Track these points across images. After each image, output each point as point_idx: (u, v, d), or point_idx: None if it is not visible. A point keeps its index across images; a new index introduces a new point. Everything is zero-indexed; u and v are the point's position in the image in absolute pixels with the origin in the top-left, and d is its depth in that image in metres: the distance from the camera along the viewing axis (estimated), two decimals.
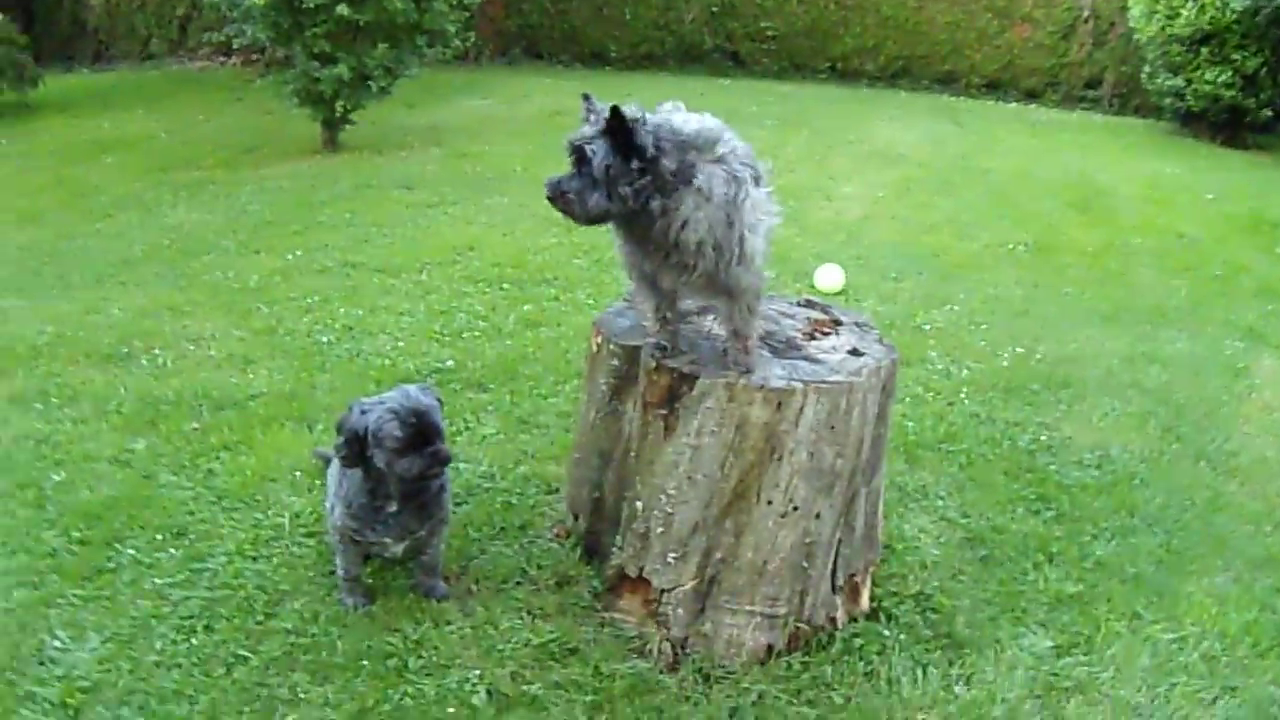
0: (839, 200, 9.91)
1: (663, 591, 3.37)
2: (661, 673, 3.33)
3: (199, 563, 3.78)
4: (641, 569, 3.40)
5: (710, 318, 3.56)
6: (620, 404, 3.51)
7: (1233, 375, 6.42)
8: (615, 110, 2.74)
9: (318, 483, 4.22)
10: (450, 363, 5.47)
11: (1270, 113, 14.45)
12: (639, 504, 3.36)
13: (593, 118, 2.84)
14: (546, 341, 5.85)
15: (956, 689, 3.41)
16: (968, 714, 3.31)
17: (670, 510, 3.28)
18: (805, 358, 3.35)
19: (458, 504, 4.10)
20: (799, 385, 3.13)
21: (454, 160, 10.23)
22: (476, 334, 5.95)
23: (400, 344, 5.72)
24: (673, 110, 3.27)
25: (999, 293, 7.52)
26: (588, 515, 3.77)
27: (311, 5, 9.25)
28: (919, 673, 3.44)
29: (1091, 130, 15.44)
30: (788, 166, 10.88)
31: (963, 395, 5.62)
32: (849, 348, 3.44)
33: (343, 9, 9.17)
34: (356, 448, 3.23)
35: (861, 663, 3.45)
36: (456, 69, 13.51)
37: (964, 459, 4.90)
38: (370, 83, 9.83)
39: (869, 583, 3.70)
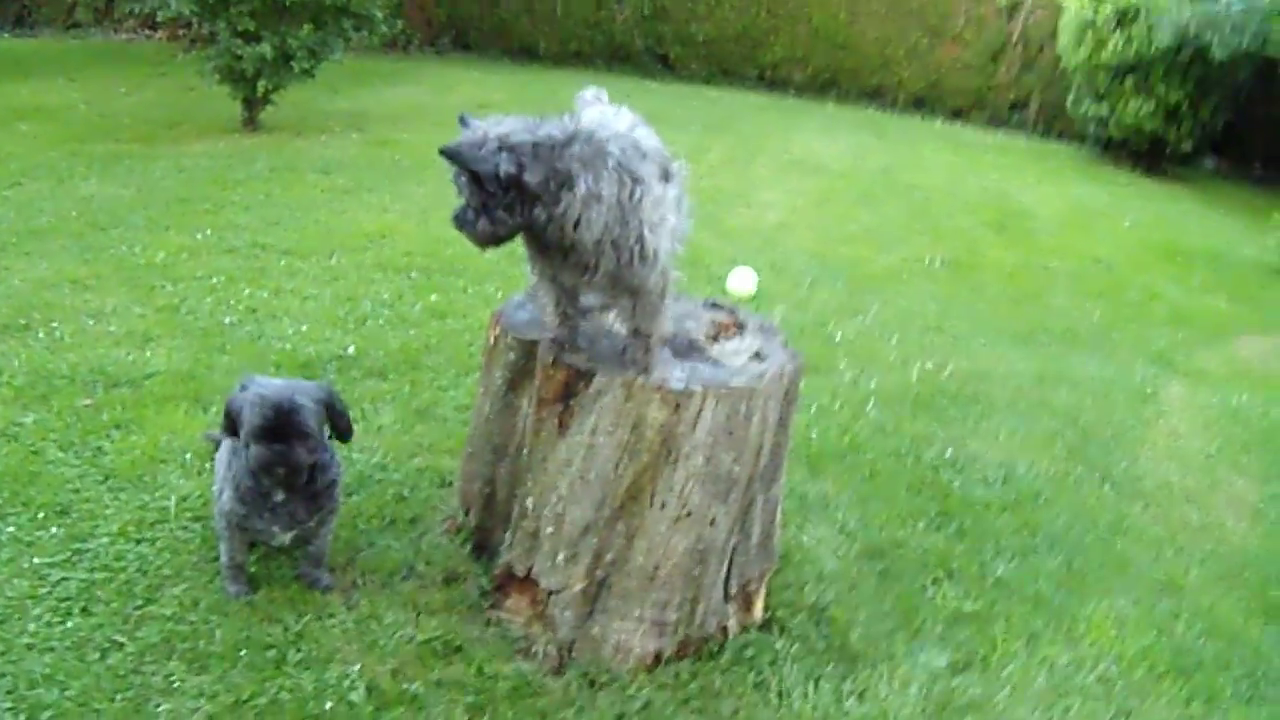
0: (758, 206, 9.90)
1: (550, 593, 3.29)
2: (546, 676, 3.25)
3: (80, 543, 3.62)
4: (530, 569, 3.32)
5: (612, 314, 3.49)
6: (515, 398, 3.43)
7: (1141, 400, 6.49)
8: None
9: (207, 465, 4.07)
10: (352, 350, 5.32)
11: (1190, 145, 14.73)
12: (529, 502, 3.28)
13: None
14: (451, 333, 5.75)
15: (848, 704, 3.37)
16: None
17: (561, 510, 3.20)
18: (707, 360, 3.29)
19: (349, 494, 3.98)
20: (698, 388, 3.06)
21: (374, 147, 10.05)
22: (381, 322, 5.81)
23: (303, 328, 5.57)
24: (592, 101, 3.22)
25: (912, 306, 7.54)
26: (479, 511, 3.67)
27: None
28: (810, 686, 3.39)
29: (1014, 152, 15.61)
30: (709, 171, 10.85)
31: (870, 407, 5.60)
32: (752, 351, 3.39)
33: None
34: (229, 422, 3.17)
35: (752, 673, 3.40)
36: (384, 56, 13.31)
37: (867, 471, 4.87)
38: (293, 63, 9.61)
39: (763, 592, 3.65)
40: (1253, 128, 15.66)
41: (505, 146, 2.67)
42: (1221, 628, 4.26)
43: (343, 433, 3.32)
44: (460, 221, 2.79)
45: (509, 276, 6.68)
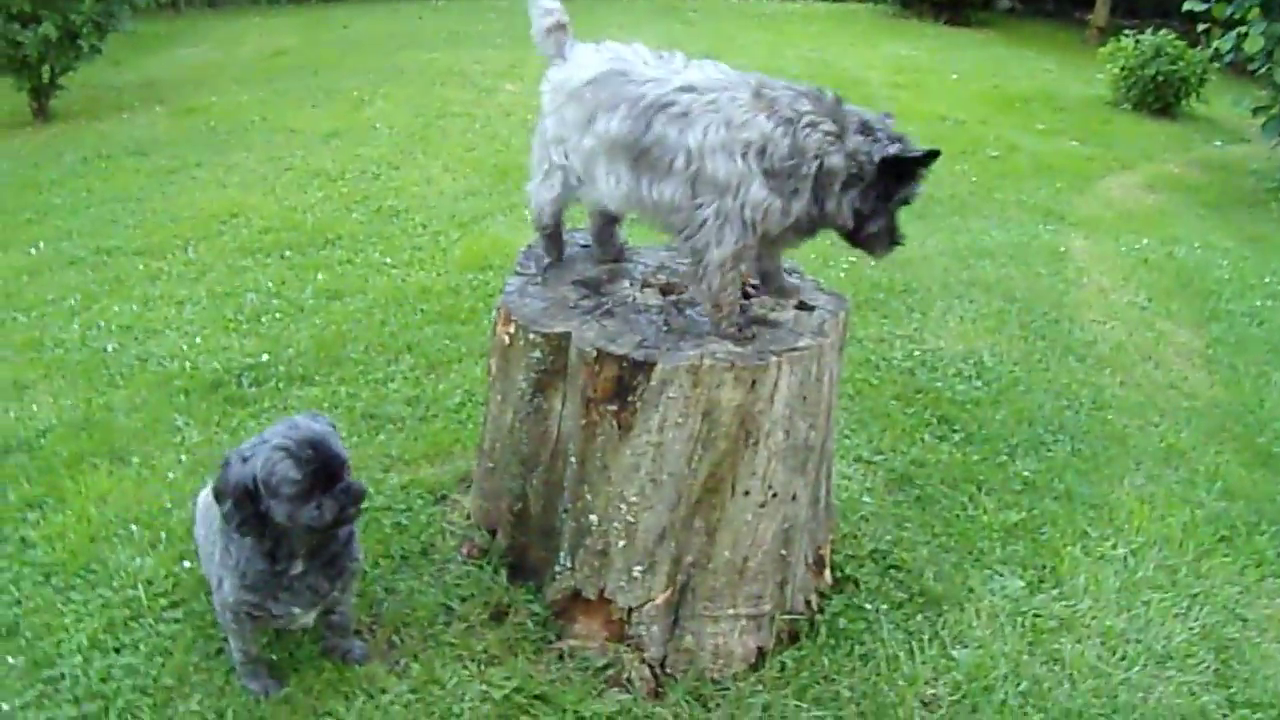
0: None
1: (630, 610, 2.92)
2: (648, 702, 2.88)
3: (49, 669, 2.95)
4: (603, 589, 2.93)
5: (625, 284, 3.10)
6: (544, 401, 2.98)
7: (1057, 261, 6.42)
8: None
9: (163, 535, 3.46)
10: (265, 356, 4.73)
11: None
12: (593, 517, 2.87)
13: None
14: (357, 314, 5.20)
15: (953, 653, 3.13)
16: (974, 678, 3.05)
17: (632, 519, 2.82)
18: (758, 322, 2.91)
19: None
20: (771, 358, 2.71)
21: (182, 117, 9.15)
22: (276, 316, 5.20)
23: (195, 340, 4.92)
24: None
25: None
26: (509, 530, 3.23)
27: None
28: (912, 645, 3.15)
29: (818, 19, 15.45)
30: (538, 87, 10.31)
31: None
32: (794, 302, 3.04)
33: None
34: (250, 507, 2.50)
35: (855, 645, 3.11)
36: (156, 18, 12.18)
37: (850, 389, 4.60)
38: (80, 41, 8.64)
39: (830, 552, 3.36)
40: None
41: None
42: (1235, 488, 4.20)
43: None
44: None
45: (387, 238, 6.18)
